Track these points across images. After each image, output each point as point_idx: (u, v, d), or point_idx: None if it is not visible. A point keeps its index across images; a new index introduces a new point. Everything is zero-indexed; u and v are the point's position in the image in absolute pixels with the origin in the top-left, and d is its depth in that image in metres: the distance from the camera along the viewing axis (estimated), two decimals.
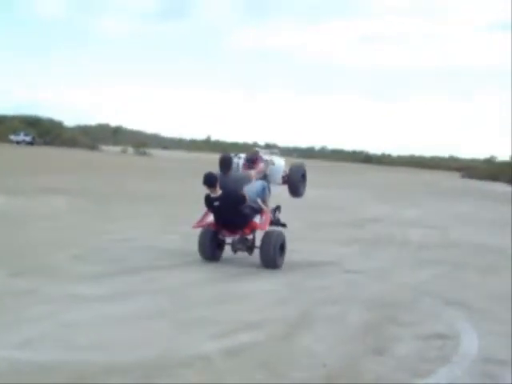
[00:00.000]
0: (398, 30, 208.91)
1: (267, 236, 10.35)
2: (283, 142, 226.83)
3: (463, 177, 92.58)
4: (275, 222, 11.18)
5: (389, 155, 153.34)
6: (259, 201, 10.61)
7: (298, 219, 16.72)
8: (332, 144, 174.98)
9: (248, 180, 10.51)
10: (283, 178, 11.63)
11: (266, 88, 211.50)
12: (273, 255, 10.23)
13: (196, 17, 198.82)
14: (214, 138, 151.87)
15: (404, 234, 16.67)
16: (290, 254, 11.69)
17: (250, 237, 10.59)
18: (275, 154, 12.04)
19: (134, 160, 58.97)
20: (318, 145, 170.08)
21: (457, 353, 6.45)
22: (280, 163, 11.65)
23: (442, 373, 5.81)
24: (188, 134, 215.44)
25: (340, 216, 20.43)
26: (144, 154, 77.64)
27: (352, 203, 26.41)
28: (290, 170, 11.73)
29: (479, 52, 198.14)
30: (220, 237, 10.57)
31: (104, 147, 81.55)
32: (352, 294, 8.93)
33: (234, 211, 10.19)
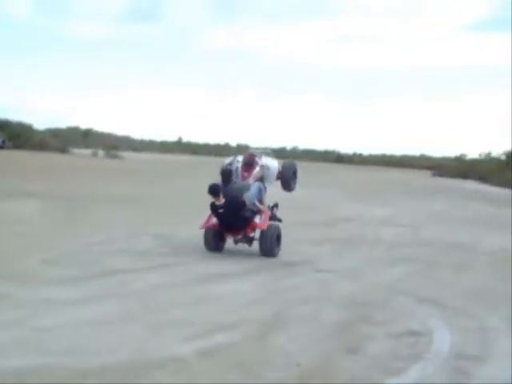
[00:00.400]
0: (369, 30, 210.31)
1: (264, 232, 11.85)
2: (255, 142, 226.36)
3: (434, 175, 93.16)
4: (272, 217, 12.46)
5: (360, 154, 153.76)
6: (257, 203, 11.92)
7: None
8: (303, 144, 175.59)
9: (247, 188, 11.97)
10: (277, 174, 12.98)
11: (237, 88, 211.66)
12: (270, 246, 11.81)
13: (165, 18, 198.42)
14: (185, 139, 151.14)
15: (376, 233, 16.76)
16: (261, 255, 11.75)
17: (249, 235, 12.09)
18: (268, 155, 13.27)
19: (105, 163, 58.63)
20: (289, 145, 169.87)
21: (429, 350, 6.52)
22: (274, 165, 12.91)
23: (415, 370, 5.86)
24: (159, 135, 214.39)
25: (312, 216, 20.48)
26: (115, 156, 77.19)
27: (324, 203, 26.49)
28: (283, 167, 13.12)
29: (453, 52, 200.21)
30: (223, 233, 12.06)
31: (75, 150, 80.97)
32: (325, 293, 8.98)
33: (236, 216, 11.63)
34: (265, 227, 11.81)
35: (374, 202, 29.60)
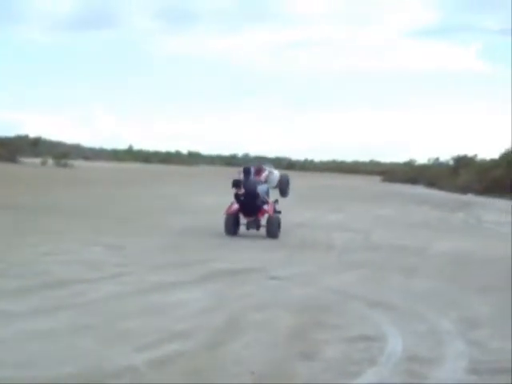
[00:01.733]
0: (321, 36, 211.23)
1: (270, 219, 16.53)
2: (206, 149, 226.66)
3: (384, 180, 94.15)
4: (274, 209, 16.87)
5: (311, 161, 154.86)
6: (266, 197, 16.88)
7: (221, 227, 16.76)
8: (255, 151, 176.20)
9: (260, 183, 16.99)
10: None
11: (188, 95, 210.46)
12: (274, 230, 16.39)
13: (118, 24, 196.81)
14: (136, 147, 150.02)
15: (328, 239, 16.87)
16: (215, 263, 11.75)
17: (259, 220, 16.68)
18: (271, 166, 18.90)
19: (55, 172, 57.94)
20: (240, 152, 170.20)
21: (382, 353, 6.57)
22: (275, 172, 18.39)
23: (369, 373, 5.91)
24: (109, 143, 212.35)
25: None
26: (65, 165, 76.26)
27: None
28: (280, 180, 18.32)
29: (402, 58, 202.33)
30: (239, 219, 16.61)
31: (24, 159, 79.79)
32: (278, 299, 8.99)
33: (253, 203, 16.42)
34: (271, 213, 16.52)
35: (325, 207, 29.81)
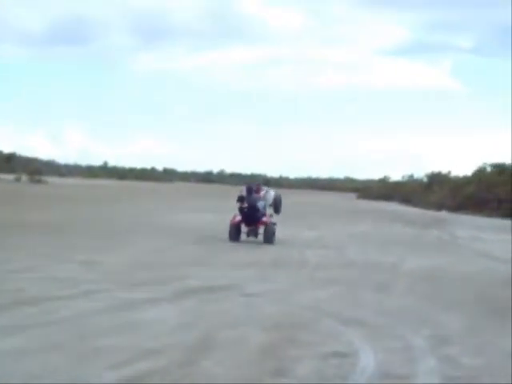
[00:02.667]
0: (295, 54, 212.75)
1: (267, 228, 20.08)
2: (181, 166, 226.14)
3: (359, 197, 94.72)
4: (270, 221, 20.49)
5: (286, 178, 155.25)
6: (264, 210, 20.37)
7: (195, 243, 16.77)
8: (230, 168, 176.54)
9: (259, 199, 20.53)
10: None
11: (163, 111, 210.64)
12: (270, 237, 19.88)
13: (89, 41, 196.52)
14: (110, 163, 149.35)
15: (302, 256, 16.91)
16: (188, 280, 11.72)
17: (258, 229, 20.27)
18: (268, 186, 23.75)
19: (28, 188, 57.56)
20: (216, 169, 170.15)
21: (355, 370, 6.59)
22: (271, 191, 21.56)
23: None
24: (84, 160, 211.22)
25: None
26: (39, 181, 75.79)
27: None
28: (274, 199, 21.18)
29: (375, 76, 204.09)
30: (241, 228, 20.24)
31: None
32: (251, 317, 8.98)
33: (253, 215, 20.03)
34: (268, 223, 20.15)
35: (300, 225, 29.85)
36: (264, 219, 20.22)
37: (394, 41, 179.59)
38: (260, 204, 20.42)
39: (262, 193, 21.04)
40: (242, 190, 20.87)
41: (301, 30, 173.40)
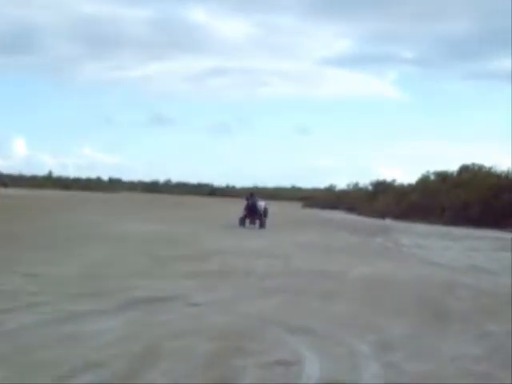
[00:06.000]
0: (241, 64, 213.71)
1: (261, 220, 34.09)
2: (127, 176, 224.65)
3: (305, 206, 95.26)
4: (264, 215, 34.76)
5: (233, 187, 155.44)
6: (260, 209, 34.29)
7: (142, 254, 16.66)
8: (177, 177, 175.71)
9: (258, 201, 34.71)
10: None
11: (109, 121, 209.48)
12: (263, 224, 33.97)
13: (35, 50, 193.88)
14: (55, 173, 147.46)
15: (248, 265, 16.92)
16: (134, 291, 11.65)
17: (256, 220, 34.24)
18: (260, 198, 36.50)
19: None
20: (162, 178, 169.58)
21: (300, 377, 6.64)
22: (262, 203, 34.63)
23: None
24: (28, 170, 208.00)
25: (184, 250, 20.43)
26: None
27: (196, 237, 26.52)
28: (264, 208, 34.69)
29: (319, 86, 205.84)
30: (246, 220, 34.55)
31: None
32: (196, 327, 8.97)
33: (254, 211, 34.13)
34: (262, 218, 33.70)
35: (246, 234, 29.92)
36: (260, 213, 34.32)
37: (339, 52, 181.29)
38: (258, 205, 34.39)
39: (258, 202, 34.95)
40: (247, 196, 35.59)
41: (247, 40, 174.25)
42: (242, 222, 34.14)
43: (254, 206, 33.58)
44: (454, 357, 7.90)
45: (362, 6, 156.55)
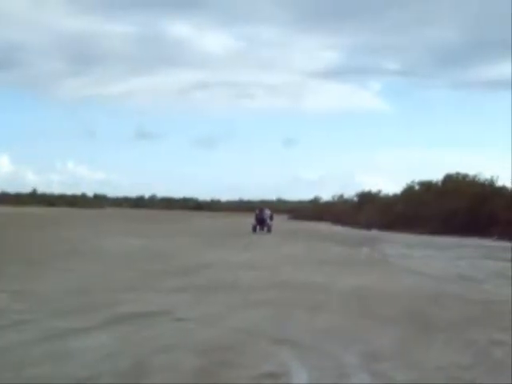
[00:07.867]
0: (226, 77, 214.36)
1: (269, 227, 47.09)
2: (112, 192, 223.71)
3: (290, 218, 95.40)
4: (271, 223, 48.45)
5: (218, 201, 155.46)
6: (268, 219, 48.13)
7: (129, 269, 16.62)
8: (162, 192, 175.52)
9: (265, 215, 47.97)
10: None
11: (92, 137, 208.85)
12: (270, 229, 46.80)
13: (17, 66, 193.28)
14: (40, 190, 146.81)
15: (234, 278, 16.92)
16: (121, 307, 11.62)
17: (264, 227, 47.20)
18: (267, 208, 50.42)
19: None
20: (147, 193, 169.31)
21: None
22: (268, 212, 48.39)
23: None
24: (12, 187, 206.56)
25: (171, 264, 20.41)
26: None
27: (183, 251, 26.50)
28: (270, 215, 48.57)
29: (305, 98, 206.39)
30: (257, 227, 47.15)
31: None
32: (184, 341, 8.97)
33: (262, 220, 47.40)
34: (269, 225, 46.96)
35: (233, 247, 29.93)
36: (268, 222, 46.59)
37: (324, 63, 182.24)
38: (266, 214, 46.86)
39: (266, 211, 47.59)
40: (257, 209, 48.58)
41: (231, 53, 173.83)
42: (254, 228, 45.76)
43: (262, 217, 46.53)
44: (441, 366, 7.95)
45: (346, 17, 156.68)
